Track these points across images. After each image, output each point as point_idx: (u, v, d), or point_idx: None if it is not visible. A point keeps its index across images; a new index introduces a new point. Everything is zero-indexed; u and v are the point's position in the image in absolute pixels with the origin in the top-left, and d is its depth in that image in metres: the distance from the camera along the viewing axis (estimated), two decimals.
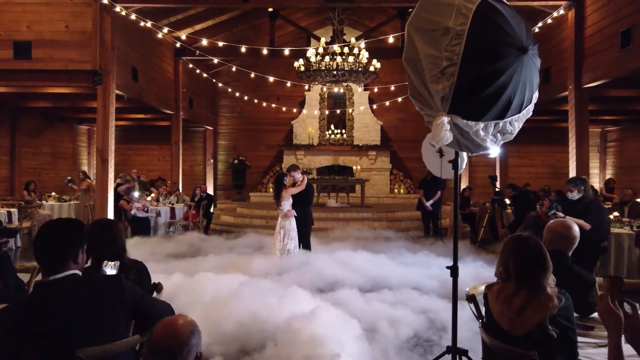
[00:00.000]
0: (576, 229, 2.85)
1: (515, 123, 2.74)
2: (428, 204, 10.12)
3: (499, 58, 2.52)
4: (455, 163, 2.97)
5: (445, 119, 2.58)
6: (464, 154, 4.06)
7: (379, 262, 7.00)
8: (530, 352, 1.94)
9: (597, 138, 15.67)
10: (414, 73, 2.70)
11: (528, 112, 2.80)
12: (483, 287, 2.41)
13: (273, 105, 15.13)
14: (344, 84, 12.15)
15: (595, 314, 2.75)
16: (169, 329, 1.62)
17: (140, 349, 2.32)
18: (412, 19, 2.70)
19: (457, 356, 2.88)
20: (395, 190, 15.71)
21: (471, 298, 2.62)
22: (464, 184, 14.70)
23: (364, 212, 12.54)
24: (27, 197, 10.55)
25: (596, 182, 15.39)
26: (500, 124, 2.68)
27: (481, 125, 2.63)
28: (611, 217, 7.23)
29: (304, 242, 7.16)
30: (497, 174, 13.39)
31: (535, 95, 2.82)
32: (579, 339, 2.40)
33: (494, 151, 2.82)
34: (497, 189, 9.81)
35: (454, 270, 2.91)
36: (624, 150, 14.65)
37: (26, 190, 10.77)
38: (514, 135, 2.82)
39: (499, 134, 2.74)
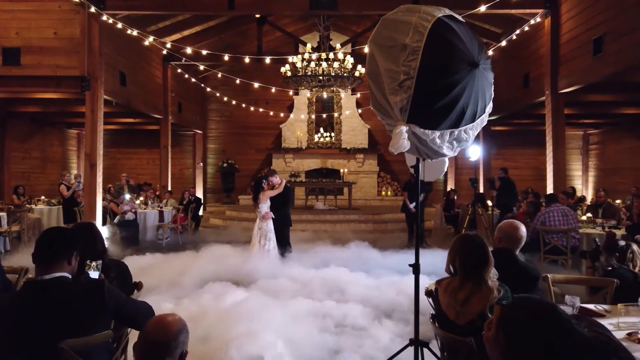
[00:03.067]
0: (523, 229, 3.08)
1: (470, 131, 2.96)
2: (412, 206, 10.34)
3: (452, 72, 2.74)
4: (416, 168, 3.18)
5: (404, 128, 2.79)
6: (446, 158, 4.29)
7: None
8: (467, 338, 2.16)
9: (579, 141, 16.02)
10: (375, 86, 2.91)
11: (482, 121, 3.02)
12: None
13: (261, 110, 15.32)
14: (331, 89, 12.38)
15: None
16: (160, 324, 1.79)
17: (117, 346, 2.52)
18: (374, 36, 2.92)
19: (419, 348, 3.09)
20: (383, 193, 15.94)
21: (429, 293, 2.83)
22: (449, 186, 15.02)
23: (350, 215, 12.77)
24: (17, 201, 10.66)
25: (579, 183, 15.75)
26: (455, 132, 2.90)
27: (437, 133, 2.85)
28: (584, 218, 7.51)
29: (284, 244, 7.35)
30: (481, 176, 13.66)
31: (489, 106, 3.05)
32: None
33: (449, 154, 3.01)
34: (478, 192, 10.07)
35: (415, 268, 3.12)
36: (605, 152, 15.01)
37: (15, 194, 10.87)
38: (470, 142, 3.04)
39: (454, 142, 2.95)
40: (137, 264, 6.45)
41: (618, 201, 10.96)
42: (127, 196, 10.22)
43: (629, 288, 3.66)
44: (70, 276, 2.31)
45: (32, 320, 2.15)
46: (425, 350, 3.12)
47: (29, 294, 2.24)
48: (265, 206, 7.05)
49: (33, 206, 11.16)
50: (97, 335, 2.19)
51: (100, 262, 2.64)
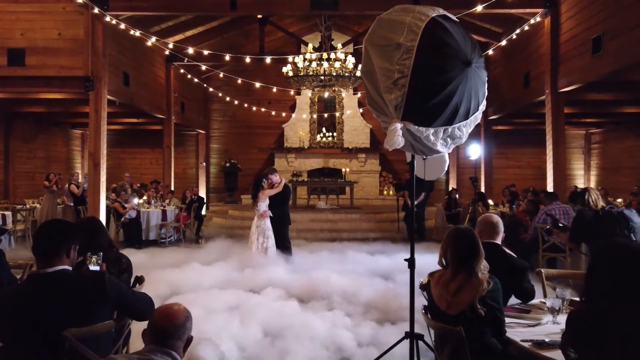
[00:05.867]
0: (496, 216, 3.20)
1: (464, 128, 3.02)
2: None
3: (445, 70, 2.81)
4: (411, 165, 3.25)
5: (399, 125, 2.86)
6: (446, 156, 4.35)
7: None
8: (456, 328, 2.23)
9: (581, 140, 16.04)
10: (370, 84, 2.98)
11: (476, 118, 3.09)
12: None
13: (264, 109, 15.40)
14: (333, 88, 12.46)
15: (535, 301, 3.05)
16: (168, 312, 1.97)
17: (119, 335, 2.60)
18: (369, 35, 2.99)
19: (415, 340, 3.16)
20: (385, 192, 15.99)
21: (424, 287, 2.90)
22: (451, 186, 15.06)
23: (352, 214, 12.83)
24: (47, 184, 11.05)
25: (581, 182, 15.75)
26: (449, 130, 2.97)
27: (431, 130, 2.91)
28: None
29: (283, 242, 7.35)
30: (482, 175, 13.68)
31: (483, 104, 3.11)
32: (514, 320, 2.69)
33: (446, 151, 3.08)
34: (478, 191, 10.12)
35: (410, 262, 3.19)
36: (607, 152, 15.02)
37: (47, 181, 11.13)
38: (464, 139, 3.11)
39: (448, 139, 3.02)
40: (140, 259, 6.61)
41: (619, 200, 10.99)
42: (136, 200, 10.28)
43: (590, 224, 4.71)
44: (70, 268, 2.39)
45: (37, 312, 2.23)
46: (420, 343, 3.19)
47: (33, 287, 2.32)
48: (263, 204, 7.10)
49: (37, 205, 11.30)
50: (100, 325, 2.27)
51: (100, 254, 2.70)
